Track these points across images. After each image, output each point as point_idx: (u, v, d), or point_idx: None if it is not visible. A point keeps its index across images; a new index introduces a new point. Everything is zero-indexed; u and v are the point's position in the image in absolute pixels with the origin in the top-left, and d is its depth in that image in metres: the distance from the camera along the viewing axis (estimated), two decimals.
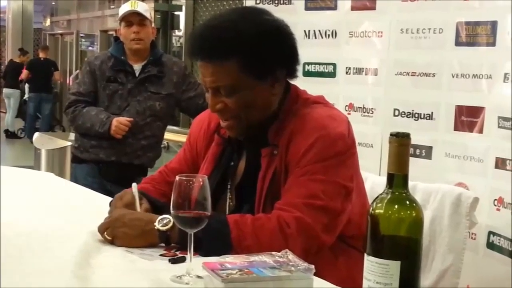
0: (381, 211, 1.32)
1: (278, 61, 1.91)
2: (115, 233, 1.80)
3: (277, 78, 1.92)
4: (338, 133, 1.86)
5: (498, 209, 2.76)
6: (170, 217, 1.73)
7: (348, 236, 1.91)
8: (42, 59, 14.09)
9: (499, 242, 2.75)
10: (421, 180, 2.29)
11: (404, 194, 1.33)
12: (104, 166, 3.94)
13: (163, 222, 1.77)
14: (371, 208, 1.34)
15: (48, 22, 20.09)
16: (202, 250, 1.68)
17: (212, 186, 1.91)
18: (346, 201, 1.86)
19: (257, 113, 1.91)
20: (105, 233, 1.81)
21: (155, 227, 1.76)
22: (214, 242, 1.70)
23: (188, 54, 1.96)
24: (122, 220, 1.81)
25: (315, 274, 1.51)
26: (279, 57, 1.91)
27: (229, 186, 2.03)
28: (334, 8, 3.52)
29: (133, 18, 3.90)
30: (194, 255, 1.56)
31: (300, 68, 2.00)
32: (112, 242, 1.80)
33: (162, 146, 4.45)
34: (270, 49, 1.87)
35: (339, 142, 1.85)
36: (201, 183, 1.56)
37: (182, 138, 5.80)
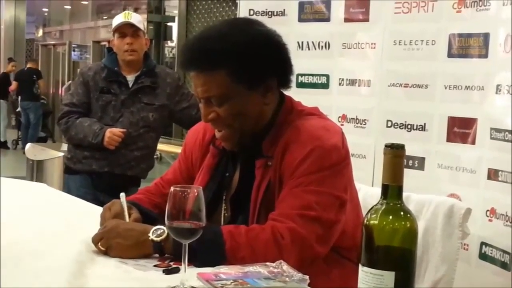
0: (376, 221, 1.32)
1: (268, 71, 1.92)
2: (109, 243, 1.79)
3: (269, 87, 1.93)
4: (332, 144, 1.87)
5: (490, 220, 2.77)
6: (164, 228, 1.73)
7: (342, 247, 1.91)
8: (26, 68, 14.19)
9: (491, 253, 2.76)
10: (414, 191, 2.30)
11: (398, 205, 1.33)
12: (97, 177, 3.93)
13: (157, 233, 1.77)
14: (366, 219, 1.34)
15: (40, 33, 20.10)
16: (197, 261, 1.68)
17: (207, 197, 1.91)
18: (340, 212, 1.86)
19: (250, 122, 1.92)
20: (99, 243, 1.81)
21: (149, 238, 1.77)
22: (208, 253, 1.70)
23: (180, 65, 1.97)
24: (116, 230, 1.80)
25: (308, 285, 1.51)
26: (269, 66, 1.92)
27: (224, 197, 2.03)
28: (328, 19, 3.54)
29: (127, 30, 3.90)
30: (188, 265, 1.56)
31: (293, 79, 2.01)
32: (106, 253, 1.79)
33: (155, 157, 4.44)
34: (259, 58, 1.88)
35: (333, 153, 1.86)
36: (196, 194, 1.56)
37: (175, 149, 5.80)
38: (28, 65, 14.46)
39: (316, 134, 1.88)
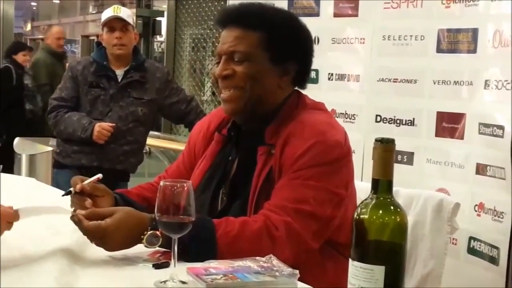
0: (366, 216, 1.33)
1: (293, 54, 1.99)
2: (103, 241, 1.73)
3: (288, 71, 1.99)
4: (335, 140, 1.89)
5: (478, 215, 2.78)
6: (159, 235, 1.71)
7: (339, 243, 1.92)
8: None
9: (479, 248, 2.77)
10: (403, 186, 2.30)
11: (388, 200, 1.34)
12: (86, 171, 3.90)
13: (152, 240, 1.72)
14: (356, 213, 1.35)
15: (29, 27, 20.00)
16: (189, 256, 1.67)
17: (208, 182, 1.97)
18: (336, 209, 1.87)
19: (260, 92, 1.95)
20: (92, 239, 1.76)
21: (141, 238, 1.73)
22: (201, 249, 1.70)
23: (217, 21, 2.07)
24: (116, 231, 1.72)
25: (303, 278, 1.52)
26: (296, 51, 2.00)
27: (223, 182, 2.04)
28: (317, 14, 3.54)
29: (116, 24, 3.89)
30: (179, 260, 1.56)
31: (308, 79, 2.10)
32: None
33: (144, 151, 4.44)
34: (293, 40, 1.99)
35: (335, 150, 1.88)
36: (186, 188, 1.56)
37: (164, 144, 5.79)
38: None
39: (320, 129, 1.89)
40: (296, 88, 2.06)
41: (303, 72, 2.04)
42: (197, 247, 1.69)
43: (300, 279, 1.52)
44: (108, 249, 1.74)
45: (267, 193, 1.88)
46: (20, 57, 7.21)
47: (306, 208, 1.81)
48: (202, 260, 1.61)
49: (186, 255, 1.66)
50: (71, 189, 2.00)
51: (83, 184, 1.98)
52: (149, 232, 1.72)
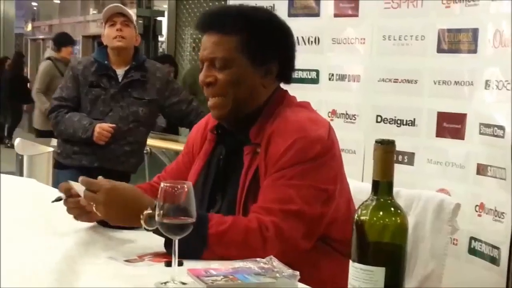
0: (366, 217, 1.33)
1: (274, 55, 1.98)
2: (104, 206, 1.78)
3: (270, 71, 1.98)
4: (316, 136, 1.88)
5: (479, 215, 2.78)
6: None
7: (331, 238, 1.92)
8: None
9: (480, 248, 2.77)
10: (403, 186, 2.30)
11: (389, 201, 1.34)
12: (87, 172, 3.90)
13: (151, 222, 1.70)
14: (357, 215, 1.34)
15: (29, 27, 20.00)
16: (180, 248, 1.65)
17: (202, 181, 1.98)
18: (326, 205, 1.86)
19: (244, 95, 1.95)
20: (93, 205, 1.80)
21: (141, 218, 1.72)
22: (192, 239, 1.67)
23: (196, 26, 2.05)
24: (115, 196, 1.81)
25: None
26: (277, 51, 1.98)
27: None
28: (317, 14, 3.54)
29: (117, 18, 3.91)
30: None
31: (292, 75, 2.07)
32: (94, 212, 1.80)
33: (145, 152, 4.44)
34: (272, 40, 1.97)
35: (317, 145, 1.86)
36: (186, 189, 1.56)
37: (166, 144, 5.79)
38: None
39: (301, 126, 1.89)
40: (281, 84, 2.05)
41: (287, 67, 2.03)
42: (189, 235, 1.66)
43: None
44: (106, 213, 1.79)
45: (255, 193, 1.88)
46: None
47: (292, 208, 1.80)
48: (192, 251, 1.63)
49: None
50: (61, 195, 1.99)
51: (74, 184, 1.97)
52: (147, 211, 1.71)
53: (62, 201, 2.00)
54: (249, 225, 1.76)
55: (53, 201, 2.01)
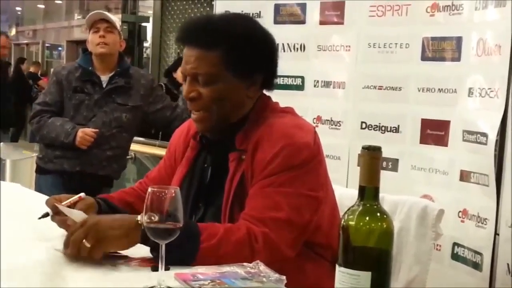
0: (353, 222, 1.34)
1: (258, 66, 1.96)
2: (98, 237, 1.69)
3: (254, 82, 1.96)
4: (303, 142, 1.88)
5: (462, 221, 2.81)
6: None
7: (315, 244, 1.92)
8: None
9: (463, 253, 2.80)
10: (388, 192, 2.32)
11: (375, 206, 1.35)
12: (68, 177, 3.90)
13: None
14: (343, 220, 1.36)
15: (13, 32, 19.90)
16: (171, 255, 1.65)
17: (185, 189, 1.96)
18: (313, 212, 1.86)
19: (228, 109, 1.94)
20: (84, 241, 1.71)
21: (138, 221, 1.70)
22: (183, 248, 1.68)
23: (177, 39, 2.02)
24: (103, 223, 1.72)
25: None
26: (260, 62, 1.97)
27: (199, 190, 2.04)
28: (303, 22, 3.56)
29: (101, 25, 3.91)
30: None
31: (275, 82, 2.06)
32: (88, 252, 1.72)
33: (129, 157, 4.43)
34: (255, 52, 1.94)
35: (304, 151, 1.86)
36: (173, 194, 1.56)
37: (150, 150, 5.78)
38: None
39: (287, 132, 1.89)
40: (264, 91, 2.05)
41: (270, 76, 2.02)
42: (180, 247, 1.67)
43: None
44: (107, 244, 1.71)
45: (241, 200, 1.87)
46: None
47: (281, 216, 1.80)
48: (184, 262, 1.62)
49: (168, 255, 1.64)
50: (48, 211, 1.98)
51: (59, 206, 1.93)
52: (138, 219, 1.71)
53: (49, 217, 1.98)
54: (240, 238, 1.75)
55: (39, 218, 1.99)
